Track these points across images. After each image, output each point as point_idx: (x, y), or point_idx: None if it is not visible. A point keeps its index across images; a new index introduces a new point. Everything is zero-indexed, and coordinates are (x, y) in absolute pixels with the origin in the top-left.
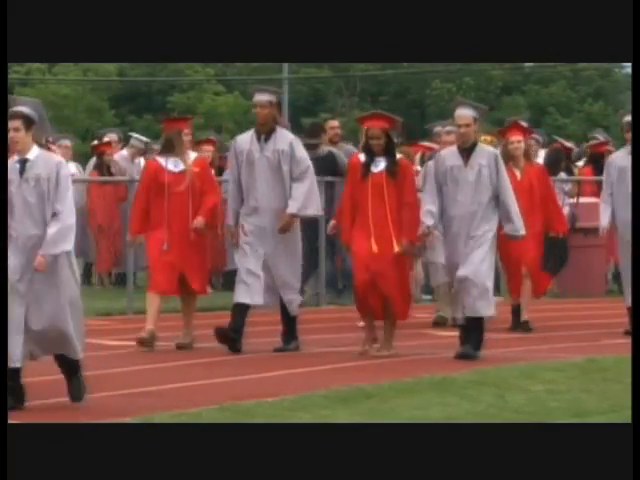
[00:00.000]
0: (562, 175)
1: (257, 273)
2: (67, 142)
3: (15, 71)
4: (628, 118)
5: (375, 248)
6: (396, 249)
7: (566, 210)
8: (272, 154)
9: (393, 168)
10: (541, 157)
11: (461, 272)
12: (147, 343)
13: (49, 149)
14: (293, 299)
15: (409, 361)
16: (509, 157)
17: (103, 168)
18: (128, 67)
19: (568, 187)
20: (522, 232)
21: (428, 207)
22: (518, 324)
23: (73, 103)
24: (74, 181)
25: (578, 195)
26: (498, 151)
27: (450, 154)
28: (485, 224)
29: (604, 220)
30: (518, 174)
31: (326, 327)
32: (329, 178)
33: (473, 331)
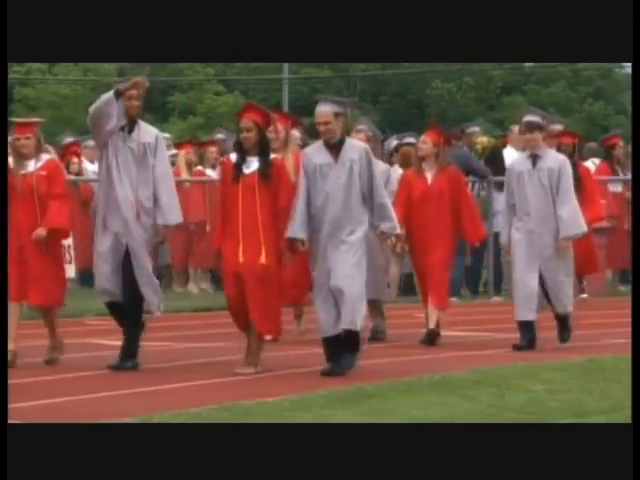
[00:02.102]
0: None
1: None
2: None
3: (15, 71)
4: (528, 118)
5: (242, 258)
6: (263, 260)
7: None
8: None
9: (266, 169)
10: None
11: (334, 283)
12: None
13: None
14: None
15: (409, 361)
16: (421, 160)
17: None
18: (128, 67)
19: None
20: (397, 231)
21: (294, 218)
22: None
23: (73, 103)
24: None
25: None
26: (369, 146)
27: (317, 151)
28: (358, 225)
29: (503, 237)
30: (428, 178)
31: None
32: None
33: (351, 344)
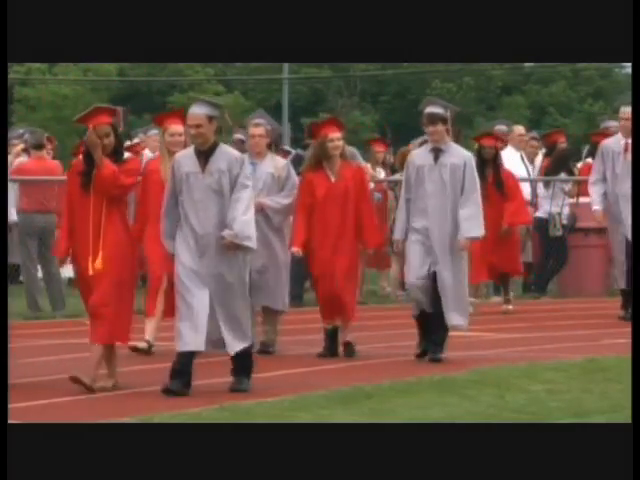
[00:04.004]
0: (562, 175)
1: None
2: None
3: (15, 71)
4: (430, 109)
5: (91, 270)
6: (98, 266)
7: (566, 210)
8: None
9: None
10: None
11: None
12: None
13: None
14: None
15: (409, 361)
16: (325, 157)
17: None
18: (128, 67)
19: (568, 187)
20: (250, 243)
21: (163, 228)
22: (335, 348)
23: (73, 103)
24: None
25: (578, 195)
26: (246, 155)
27: (186, 158)
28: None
29: (398, 233)
30: (332, 176)
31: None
32: None
33: (244, 366)
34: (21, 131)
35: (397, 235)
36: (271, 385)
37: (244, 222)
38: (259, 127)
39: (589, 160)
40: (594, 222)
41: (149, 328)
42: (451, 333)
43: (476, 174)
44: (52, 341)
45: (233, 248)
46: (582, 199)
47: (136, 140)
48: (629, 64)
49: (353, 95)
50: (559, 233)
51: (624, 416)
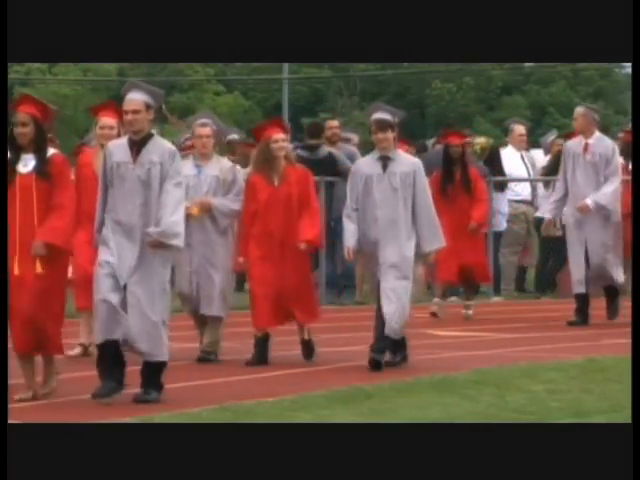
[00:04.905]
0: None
1: None
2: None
3: (15, 71)
4: (378, 116)
5: (17, 270)
6: (38, 269)
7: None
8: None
9: (44, 167)
10: (539, 160)
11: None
12: None
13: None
14: None
15: (409, 361)
16: (268, 159)
17: None
18: (128, 67)
19: None
20: (173, 242)
21: (97, 219)
22: (265, 356)
23: (73, 103)
24: None
25: None
26: (174, 147)
27: (118, 148)
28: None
29: (349, 240)
30: (275, 180)
31: (326, 327)
32: (329, 178)
33: (153, 375)
34: None
35: (349, 243)
36: (271, 385)
37: (173, 220)
38: (206, 127)
39: None
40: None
41: (83, 327)
42: (451, 333)
43: (426, 182)
44: None
45: (159, 246)
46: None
47: None
48: (629, 64)
49: (353, 95)
50: (559, 233)
51: (624, 416)
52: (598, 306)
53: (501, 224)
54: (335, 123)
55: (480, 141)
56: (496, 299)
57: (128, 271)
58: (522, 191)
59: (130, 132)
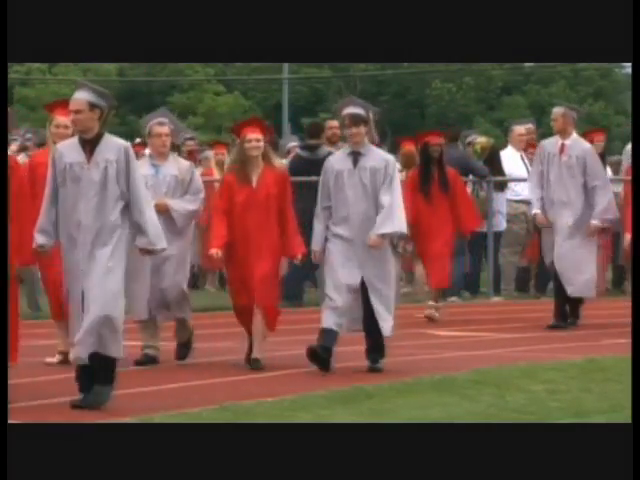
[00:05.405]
0: None
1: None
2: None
3: (15, 71)
4: (351, 110)
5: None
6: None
7: None
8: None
9: None
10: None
11: (87, 303)
12: None
13: None
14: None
15: (409, 361)
16: (243, 159)
17: None
18: (128, 67)
19: None
20: (159, 246)
21: (39, 220)
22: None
23: None
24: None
25: None
26: (130, 144)
27: (70, 148)
28: (112, 235)
29: (317, 243)
30: (253, 181)
31: None
32: None
33: (103, 371)
34: (22, 131)
35: (316, 246)
36: (271, 385)
37: (154, 224)
38: (164, 126)
39: None
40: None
41: (60, 336)
42: (451, 333)
43: (397, 177)
44: (52, 341)
45: (148, 254)
46: None
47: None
48: (629, 64)
49: (353, 95)
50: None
51: (624, 416)
52: (599, 306)
53: (501, 224)
54: (335, 123)
55: (480, 141)
56: (496, 299)
57: (81, 274)
58: (522, 191)
59: (78, 132)
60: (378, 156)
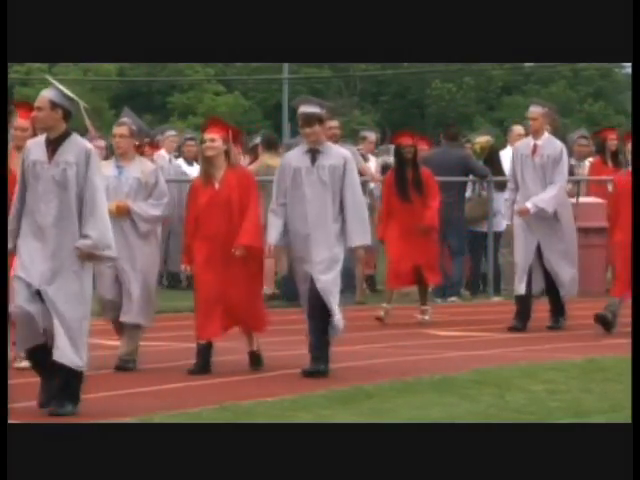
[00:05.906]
0: None
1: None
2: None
3: (15, 71)
4: (305, 109)
5: None
6: None
7: None
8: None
9: None
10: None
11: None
12: None
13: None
14: None
15: (409, 361)
16: (204, 159)
17: None
18: (128, 67)
19: (568, 187)
20: (105, 252)
21: (9, 222)
22: (208, 364)
23: None
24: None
25: (578, 195)
26: (91, 146)
27: (36, 146)
28: (70, 236)
29: (272, 237)
30: (216, 182)
31: None
32: None
33: (70, 386)
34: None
35: (271, 240)
36: (271, 385)
37: (103, 229)
38: (122, 126)
39: (590, 159)
40: (595, 222)
41: None
42: (451, 333)
43: (357, 175)
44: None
45: (90, 259)
46: (582, 199)
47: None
48: (629, 64)
49: (353, 95)
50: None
51: (624, 416)
52: (599, 306)
53: (501, 224)
54: (335, 123)
55: (480, 141)
56: (496, 299)
57: (40, 276)
58: None
59: (39, 129)
60: (336, 153)
